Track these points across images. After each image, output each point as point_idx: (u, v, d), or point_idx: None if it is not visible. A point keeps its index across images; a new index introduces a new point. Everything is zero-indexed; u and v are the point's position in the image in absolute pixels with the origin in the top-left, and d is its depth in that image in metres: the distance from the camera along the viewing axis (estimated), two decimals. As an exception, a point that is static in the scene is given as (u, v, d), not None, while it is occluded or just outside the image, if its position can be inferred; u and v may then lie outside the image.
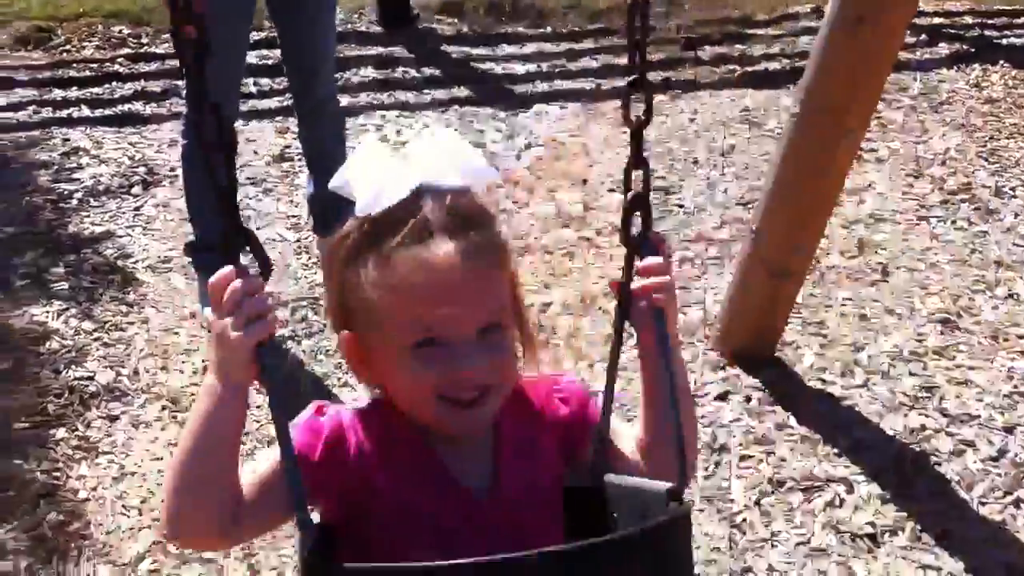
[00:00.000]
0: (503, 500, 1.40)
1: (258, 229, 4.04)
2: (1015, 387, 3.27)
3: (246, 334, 1.26)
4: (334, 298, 1.43)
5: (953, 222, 4.23)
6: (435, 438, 1.41)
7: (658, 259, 1.40)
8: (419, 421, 1.40)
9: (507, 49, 6.05)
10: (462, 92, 5.43)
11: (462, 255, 1.33)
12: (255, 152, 4.67)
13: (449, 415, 1.37)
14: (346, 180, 1.39)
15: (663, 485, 1.34)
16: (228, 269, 1.28)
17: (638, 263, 1.41)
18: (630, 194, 1.41)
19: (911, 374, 3.32)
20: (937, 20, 6.38)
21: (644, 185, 1.42)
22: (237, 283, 1.27)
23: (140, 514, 2.80)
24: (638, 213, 1.40)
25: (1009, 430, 3.10)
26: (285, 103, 5.12)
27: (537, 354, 1.50)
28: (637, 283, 1.40)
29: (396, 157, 1.38)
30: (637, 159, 1.43)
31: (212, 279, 1.28)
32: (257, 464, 1.37)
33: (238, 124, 3.59)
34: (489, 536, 1.35)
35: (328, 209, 3.46)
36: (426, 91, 5.42)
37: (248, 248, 1.31)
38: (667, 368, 1.37)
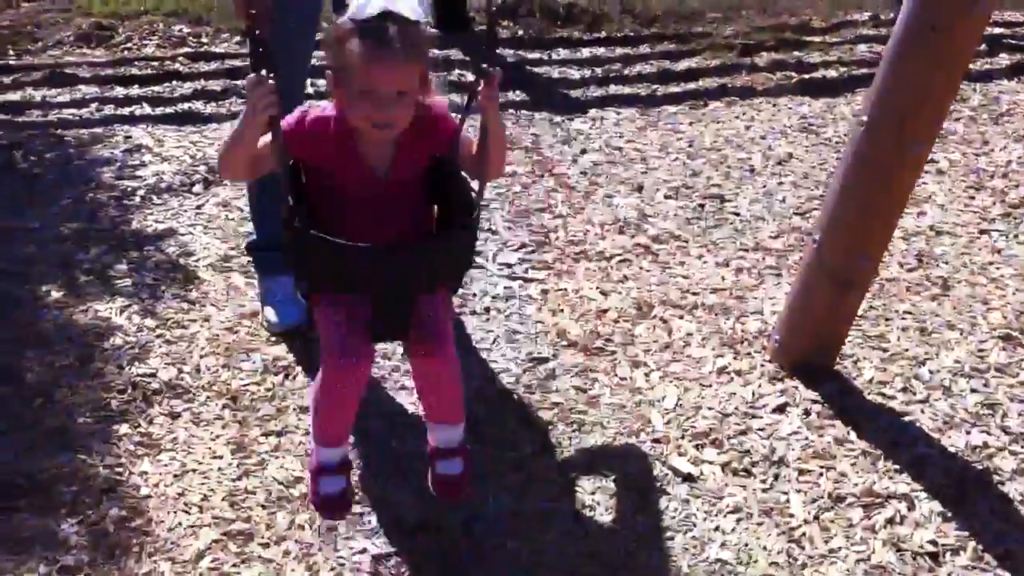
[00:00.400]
0: (394, 180, 2.48)
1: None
2: (1079, 406, 3.23)
3: (261, 111, 2.27)
4: (330, 57, 2.38)
5: (1015, 236, 4.18)
6: (363, 142, 2.43)
7: (490, 88, 2.35)
8: (357, 128, 2.41)
9: (562, 53, 6.06)
10: (517, 96, 5.45)
11: (397, 54, 2.27)
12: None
13: (372, 130, 2.38)
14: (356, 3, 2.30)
15: (472, 194, 2.52)
16: (251, 76, 2.25)
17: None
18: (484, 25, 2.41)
19: (973, 390, 3.28)
20: (997, 30, 6.30)
21: (490, 37, 2.51)
22: (257, 83, 2.26)
23: (201, 511, 2.83)
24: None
25: (1073, 450, 3.05)
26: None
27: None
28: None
29: None
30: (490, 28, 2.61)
31: (246, 81, 2.26)
32: (264, 137, 2.38)
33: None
34: (382, 202, 2.48)
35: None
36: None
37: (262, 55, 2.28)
38: (486, 128, 2.44)
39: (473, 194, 2.52)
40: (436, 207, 2.63)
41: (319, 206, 2.49)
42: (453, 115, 2.53)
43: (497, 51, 2.54)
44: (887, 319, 3.62)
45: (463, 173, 2.56)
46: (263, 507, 2.84)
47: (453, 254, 2.55)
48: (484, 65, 2.38)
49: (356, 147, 2.44)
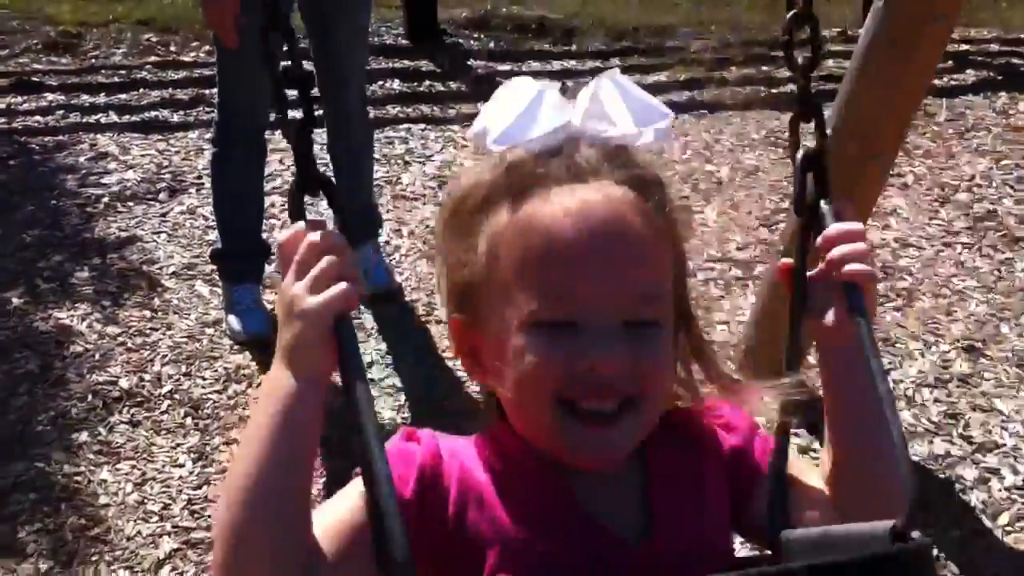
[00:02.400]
0: (662, 552, 1.06)
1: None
2: (1041, 416, 3.25)
3: (325, 300, 0.97)
4: (445, 272, 1.12)
5: (979, 249, 4.21)
6: (571, 472, 1.06)
7: (848, 224, 1.10)
8: (537, 445, 1.07)
9: (533, 66, 6.06)
10: (487, 107, 5.44)
11: (620, 211, 1.03)
12: (280, 162, 4.68)
13: (573, 431, 1.03)
14: (482, 125, 1.11)
15: (880, 525, 0.95)
16: (300, 223, 1.02)
17: (820, 237, 1.12)
18: (801, 150, 1.15)
19: (936, 401, 3.30)
20: (964, 47, 6.37)
21: (818, 137, 1.17)
22: (314, 237, 1.00)
23: (161, 520, 2.80)
24: (811, 174, 1.13)
25: (1035, 459, 3.08)
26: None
27: (712, 374, 1.15)
28: (830, 256, 1.11)
29: (551, 91, 1.10)
30: (805, 104, 1.17)
31: (282, 237, 1.03)
32: (330, 504, 1.05)
33: (266, 133, 3.59)
34: None
35: (353, 222, 3.47)
36: (452, 105, 5.43)
37: (325, 200, 1.05)
38: (875, 365, 1.02)
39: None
40: None
41: None
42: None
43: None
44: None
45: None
46: (224, 516, 2.81)
47: None
48: (814, 195, 1.16)
49: (569, 494, 1.08)
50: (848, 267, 1.09)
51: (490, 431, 1.12)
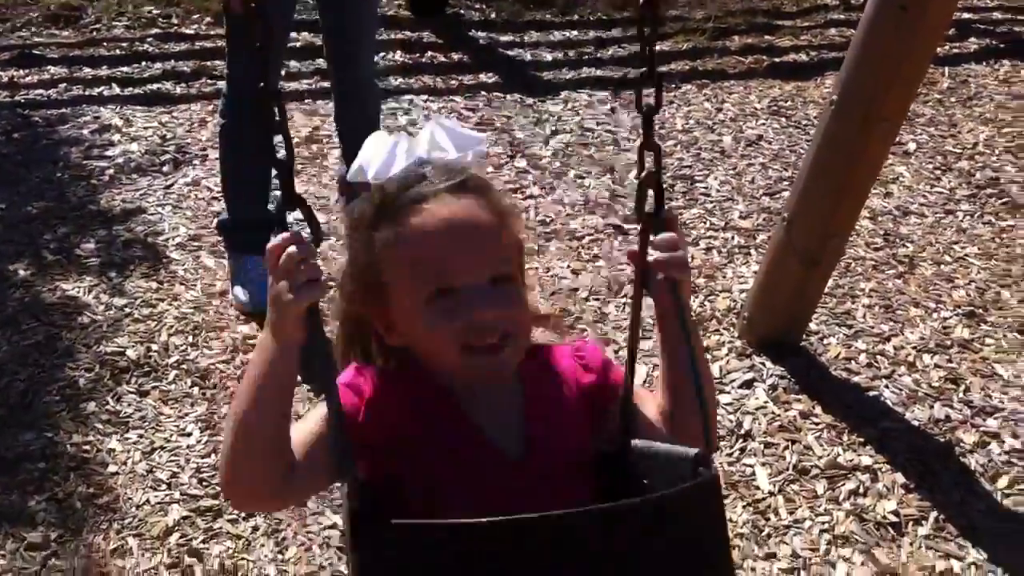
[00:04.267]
0: (536, 464, 1.45)
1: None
2: (1041, 381, 3.28)
3: (298, 297, 1.33)
4: (356, 278, 1.52)
5: (980, 216, 4.22)
6: (466, 399, 1.47)
7: (670, 235, 1.48)
8: (447, 375, 1.47)
9: (535, 36, 6.06)
10: (490, 78, 5.44)
11: (469, 208, 1.45)
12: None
13: (474, 361, 1.43)
14: (359, 165, 1.52)
15: (690, 451, 1.40)
16: (284, 235, 1.35)
17: (653, 238, 1.49)
18: (643, 173, 1.48)
19: (936, 366, 3.32)
20: (967, 15, 6.35)
21: (656, 164, 1.47)
22: (292, 249, 1.34)
23: (169, 488, 2.83)
24: (651, 191, 1.48)
25: (1035, 424, 3.10)
26: (315, 85, 5.15)
27: (550, 324, 1.64)
28: (652, 256, 1.47)
29: (401, 138, 1.53)
30: (648, 142, 1.47)
31: (269, 244, 1.35)
32: (305, 424, 1.45)
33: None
34: (523, 500, 1.32)
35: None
36: (454, 76, 5.43)
37: (302, 216, 1.41)
38: (686, 334, 1.45)
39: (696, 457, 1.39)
40: None
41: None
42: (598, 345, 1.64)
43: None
44: (853, 297, 3.66)
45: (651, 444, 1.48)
46: (232, 483, 2.84)
47: (699, 530, 1.35)
48: (649, 206, 1.47)
49: (460, 412, 1.46)
50: (668, 268, 1.47)
51: (406, 367, 1.51)
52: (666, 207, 1.49)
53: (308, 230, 1.41)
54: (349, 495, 1.28)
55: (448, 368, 1.46)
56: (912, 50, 2.81)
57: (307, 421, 1.45)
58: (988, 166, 4.62)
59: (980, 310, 3.60)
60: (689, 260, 1.53)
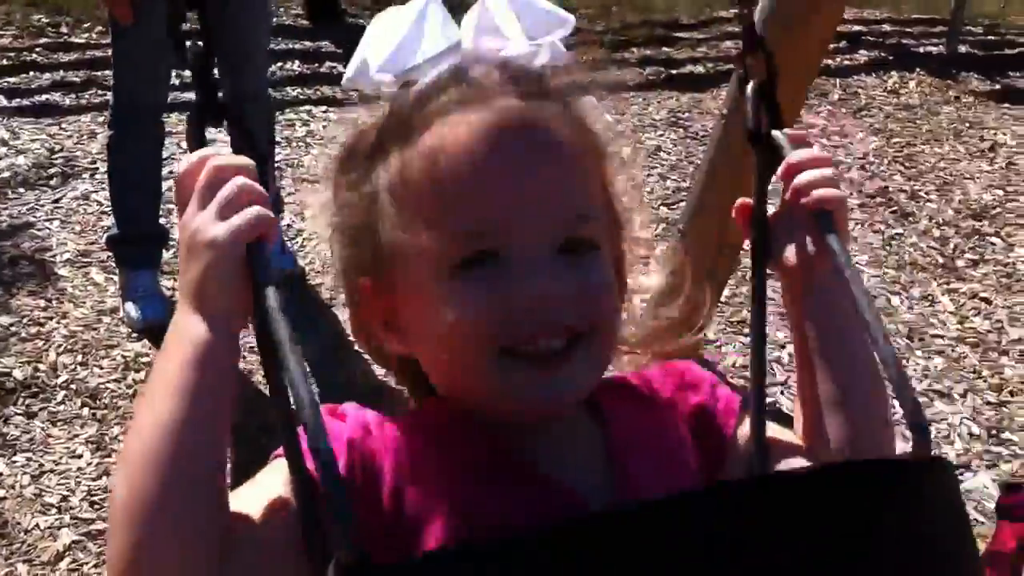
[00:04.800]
0: None
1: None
2: (929, 385, 3.37)
3: (235, 226, 0.82)
4: (340, 237, 0.98)
5: (870, 224, 4.34)
6: (515, 429, 0.93)
7: (811, 150, 1.02)
8: (479, 407, 0.93)
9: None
10: (390, 89, 5.41)
11: (536, 120, 0.90)
12: (179, 146, 4.60)
13: (518, 378, 0.88)
14: (361, 59, 1.00)
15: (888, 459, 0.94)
16: (202, 151, 0.88)
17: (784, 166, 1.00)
18: (753, 81, 1.09)
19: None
20: (856, 27, 6.53)
21: (769, 71, 1.10)
22: (217, 160, 0.86)
23: (59, 512, 2.74)
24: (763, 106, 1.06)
25: (923, 427, 3.18)
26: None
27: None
28: (789, 189, 1.01)
29: (434, 6, 0.98)
30: (750, 41, 1.09)
31: (180, 168, 0.88)
32: (247, 487, 0.89)
33: (164, 116, 3.53)
34: None
35: None
36: (354, 87, 5.38)
37: (233, 127, 0.96)
38: (859, 289, 0.92)
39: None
40: None
41: None
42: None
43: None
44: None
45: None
46: (124, 506, 2.77)
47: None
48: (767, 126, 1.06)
49: (519, 454, 0.94)
50: (817, 192, 0.98)
51: (420, 408, 1.01)
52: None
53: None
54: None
55: (479, 392, 0.91)
56: (799, 62, 2.87)
57: (257, 480, 0.89)
58: (878, 175, 4.75)
59: (871, 316, 3.70)
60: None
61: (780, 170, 1.02)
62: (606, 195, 1.00)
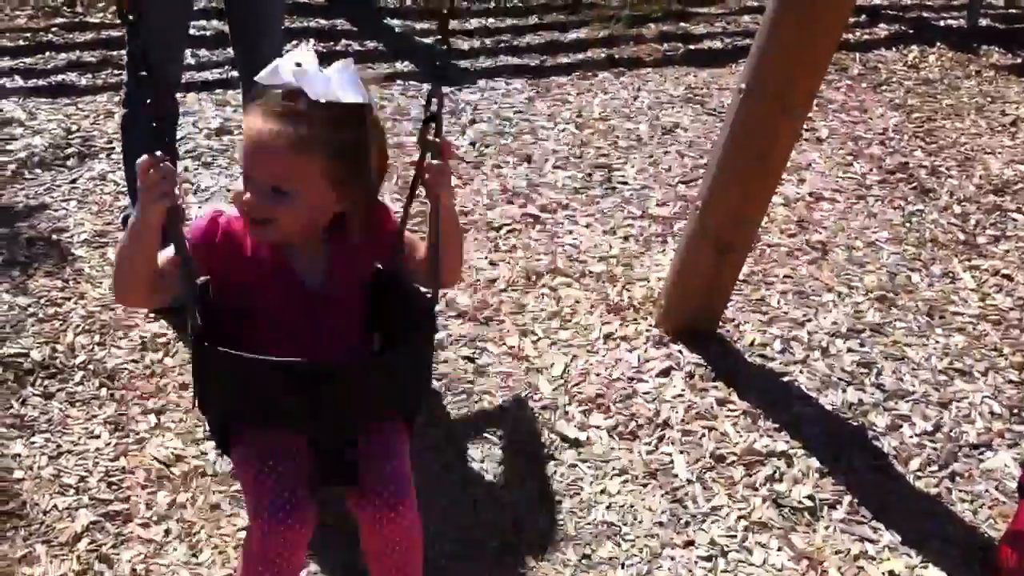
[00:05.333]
0: (330, 295, 2.06)
1: (198, 205, 3.98)
2: (950, 363, 3.34)
3: (156, 203, 1.86)
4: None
5: (890, 200, 4.30)
6: (290, 245, 2.03)
7: (438, 162, 1.98)
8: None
9: (451, 24, 5.99)
10: (405, 66, 5.39)
11: (273, 131, 1.89)
12: (194, 125, 4.59)
13: (249, 226, 2.00)
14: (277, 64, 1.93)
15: (426, 296, 2.09)
16: (146, 158, 1.84)
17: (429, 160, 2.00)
18: (429, 110, 2.00)
19: (849, 350, 3.37)
20: (876, 1, 6.46)
21: (438, 104, 1.98)
22: (152, 171, 1.84)
23: (77, 493, 2.75)
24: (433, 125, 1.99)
25: (944, 405, 3.16)
26: (224, 75, 5.05)
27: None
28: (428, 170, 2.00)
29: (306, 61, 1.94)
30: (435, 90, 1.99)
31: (138, 162, 1.84)
32: (167, 250, 1.98)
33: (178, 95, 3.52)
34: (315, 325, 2.05)
35: None
36: (369, 64, 5.36)
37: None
38: (436, 217, 2.01)
39: (426, 304, 2.08)
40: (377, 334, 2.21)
41: (236, 332, 2.01)
42: (396, 211, 2.17)
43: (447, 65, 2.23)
44: (768, 283, 3.70)
45: (412, 285, 2.16)
46: (142, 487, 2.77)
47: (401, 374, 2.05)
48: (429, 134, 1.98)
49: (281, 255, 2.03)
50: (434, 187, 1.99)
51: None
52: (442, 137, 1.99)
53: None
54: (189, 312, 1.95)
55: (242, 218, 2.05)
56: (817, 37, 2.84)
57: (168, 249, 1.97)
58: (898, 151, 4.70)
59: (891, 294, 3.67)
60: (450, 175, 2.01)
61: (425, 164, 2.02)
62: (310, 171, 1.93)
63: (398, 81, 5.18)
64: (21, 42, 5.46)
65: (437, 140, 1.97)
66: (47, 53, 5.34)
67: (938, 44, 5.90)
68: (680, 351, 3.32)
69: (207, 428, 2.26)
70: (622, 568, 2.60)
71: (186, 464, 2.82)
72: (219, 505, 2.71)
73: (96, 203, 4.02)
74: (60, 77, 5.08)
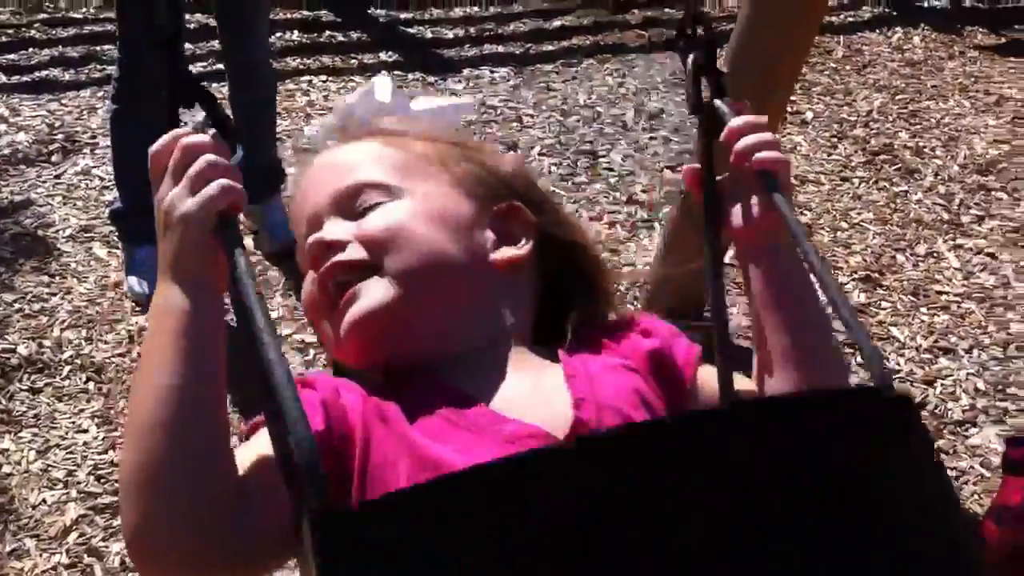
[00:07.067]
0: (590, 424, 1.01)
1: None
2: (935, 342, 3.35)
3: (205, 198, 0.89)
4: None
5: (875, 182, 4.31)
6: (448, 372, 1.05)
7: (750, 116, 1.10)
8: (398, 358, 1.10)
9: (435, 13, 6.00)
10: (390, 57, 5.38)
11: (329, 154, 1.20)
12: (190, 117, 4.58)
13: (330, 323, 1.08)
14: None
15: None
16: (175, 131, 0.95)
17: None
18: (691, 56, 1.15)
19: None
20: (860, -17, 6.46)
21: (708, 45, 1.17)
22: (188, 140, 0.93)
23: (66, 487, 2.76)
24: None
25: (929, 383, 3.18)
26: (209, 68, 5.04)
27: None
28: (733, 151, 1.08)
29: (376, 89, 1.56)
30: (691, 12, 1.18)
31: (152, 148, 0.95)
32: (252, 443, 0.96)
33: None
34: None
35: (256, 177, 3.42)
36: (353, 56, 5.36)
37: (203, 108, 0.99)
38: (806, 244, 0.97)
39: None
40: None
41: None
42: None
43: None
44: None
45: None
46: (131, 479, 2.78)
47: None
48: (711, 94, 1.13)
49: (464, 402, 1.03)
50: (759, 155, 1.07)
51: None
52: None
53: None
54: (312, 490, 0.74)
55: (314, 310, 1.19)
56: (799, 21, 2.85)
57: (251, 444, 0.96)
58: (882, 133, 4.71)
59: (876, 274, 3.68)
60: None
61: (723, 135, 1.09)
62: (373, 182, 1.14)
63: (382, 72, 5.16)
64: (3, 38, 5.45)
65: (724, 98, 1.11)
66: (30, 49, 5.32)
67: (922, 25, 5.90)
68: (666, 335, 3.32)
69: None
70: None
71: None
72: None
73: (81, 198, 4.01)
74: (43, 73, 5.06)
